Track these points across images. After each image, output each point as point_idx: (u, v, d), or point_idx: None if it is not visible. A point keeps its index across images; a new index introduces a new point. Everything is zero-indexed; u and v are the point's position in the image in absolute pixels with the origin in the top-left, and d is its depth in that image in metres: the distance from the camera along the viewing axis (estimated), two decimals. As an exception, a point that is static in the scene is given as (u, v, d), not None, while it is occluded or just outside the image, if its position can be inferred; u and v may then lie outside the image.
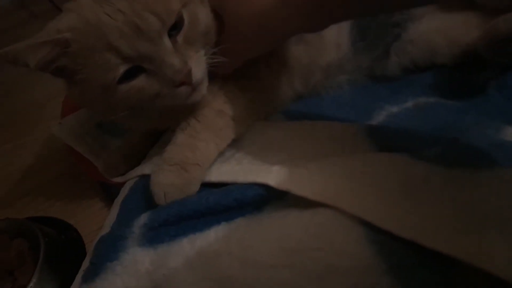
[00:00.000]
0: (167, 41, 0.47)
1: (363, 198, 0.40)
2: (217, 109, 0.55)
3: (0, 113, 1.14)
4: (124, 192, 0.58)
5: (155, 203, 0.50)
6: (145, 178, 0.55)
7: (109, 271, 0.45)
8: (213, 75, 0.55)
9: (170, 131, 0.58)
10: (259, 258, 0.40)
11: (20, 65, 0.45)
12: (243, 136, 0.57)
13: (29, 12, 1.67)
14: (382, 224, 0.37)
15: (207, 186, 0.52)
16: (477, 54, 0.62)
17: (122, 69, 0.46)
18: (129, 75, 0.47)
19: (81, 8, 0.47)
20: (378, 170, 0.43)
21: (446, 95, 0.63)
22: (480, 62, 0.62)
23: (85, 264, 0.49)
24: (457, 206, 0.37)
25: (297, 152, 0.52)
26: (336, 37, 0.66)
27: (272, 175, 0.46)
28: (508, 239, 0.33)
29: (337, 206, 0.40)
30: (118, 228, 0.51)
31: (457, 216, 0.36)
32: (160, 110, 0.54)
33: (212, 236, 0.44)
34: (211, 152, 0.53)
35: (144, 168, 0.58)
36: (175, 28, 0.48)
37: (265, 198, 0.46)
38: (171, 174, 0.50)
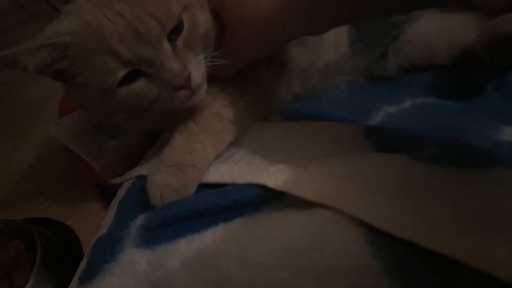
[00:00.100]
0: (166, 45, 0.47)
1: (361, 198, 0.40)
2: (216, 112, 0.55)
3: (-1, 113, 1.14)
4: (121, 193, 0.58)
5: (151, 204, 0.50)
6: (143, 179, 0.54)
7: (106, 272, 0.45)
8: (213, 78, 0.55)
9: (168, 132, 0.58)
10: (258, 259, 0.40)
11: (19, 69, 0.45)
12: (242, 137, 0.57)
13: (27, 13, 1.66)
14: (381, 224, 0.37)
15: (205, 186, 0.52)
16: (476, 55, 0.62)
17: (121, 73, 0.46)
18: (128, 79, 0.47)
19: (80, 11, 0.46)
20: (376, 170, 0.43)
21: (444, 96, 0.63)
22: (479, 63, 0.62)
23: (82, 265, 0.49)
24: (455, 207, 0.37)
25: (295, 153, 0.52)
26: (335, 38, 0.66)
27: (270, 176, 0.46)
28: (507, 239, 0.33)
29: (336, 207, 0.40)
30: (115, 229, 0.50)
31: (456, 216, 0.36)
32: (159, 113, 0.53)
33: (209, 237, 0.44)
34: (209, 155, 0.53)
35: (142, 169, 0.58)
36: (174, 32, 0.48)
37: (263, 199, 0.46)
38: (167, 175, 0.50)
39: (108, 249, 0.47)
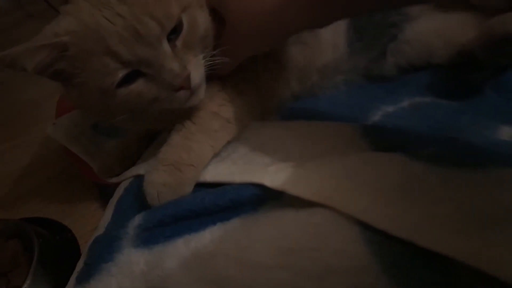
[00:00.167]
0: (166, 46, 0.47)
1: (359, 198, 0.40)
2: (213, 111, 0.55)
3: (-4, 113, 1.13)
4: (119, 192, 0.58)
5: (148, 203, 0.50)
6: (140, 178, 0.54)
7: (103, 272, 0.45)
8: (211, 77, 0.55)
9: (166, 132, 0.58)
10: (256, 259, 0.40)
11: (18, 69, 0.45)
12: (239, 136, 0.57)
13: (25, 12, 1.66)
14: (379, 224, 0.37)
15: (202, 186, 0.52)
16: (474, 55, 0.62)
17: (121, 73, 0.46)
18: (127, 79, 0.47)
19: (79, 12, 0.46)
20: (374, 170, 0.43)
21: (443, 95, 0.63)
22: (477, 62, 0.62)
23: (80, 265, 0.49)
24: (454, 206, 0.37)
25: (293, 152, 0.52)
26: (333, 38, 0.66)
27: (268, 175, 0.46)
28: (506, 239, 0.33)
29: (333, 206, 0.40)
30: (113, 229, 0.50)
31: (454, 216, 0.36)
32: (158, 113, 0.53)
33: (207, 237, 0.44)
34: (206, 154, 0.53)
35: (139, 169, 0.58)
36: (174, 32, 0.48)
37: (261, 198, 0.46)
38: (164, 174, 0.50)
39: (105, 249, 0.47)
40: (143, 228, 0.47)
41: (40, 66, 0.46)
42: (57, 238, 0.68)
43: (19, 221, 0.67)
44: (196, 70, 0.50)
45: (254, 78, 0.60)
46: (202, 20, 0.52)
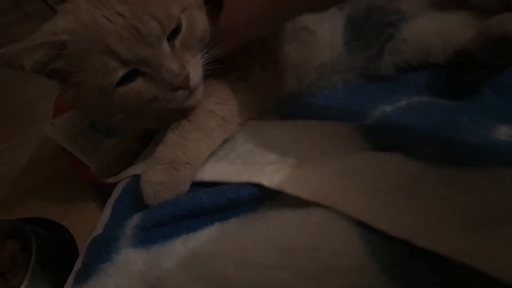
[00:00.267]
0: (166, 46, 0.47)
1: (357, 197, 0.40)
2: (209, 110, 0.55)
3: (-7, 113, 1.13)
4: (116, 192, 0.58)
5: (145, 202, 0.50)
6: (138, 178, 0.54)
7: (101, 272, 0.45)
8: (210, 76, 0.55)
9: (164, 131, 0.58)
10: (254, 259, 0.40)
11: (16, 67, 0.45)
12: (237, 136, 0.57)
13: (23, 12, 1.65)
14: (376, 223, 0.37)
15: (200, 185, 0.51)
16: (472, 54, 0.62)
17: (120, 72, 0.46)
18: (126, 79, 0.47)
19: (78, 10, 0.46)
20: (372, 169, 0.43)
21: (441, 95, 0.63)
22: (475, 62, 0.62)
23: (78, 265, 0.49)
24: (450, 206, 0.37)
25: (291, 152, 0.51)
26: (330, 37, 0.66)
27: (266, 175, 0.46)
28: (503, 238, 0.33)
29: (332, 206, 0.40)
30: (111, 229, 0.50)
31: (452, 216, 0.36)
32: (155, 113, 0.54)
33: (205, 237, 0.44)
34: (202, 152, 0.53)
35: (137, 168, 0.58)
36: (173, 33, 0.48)
37: (259, 198, 0.46)
38: (160, 173, 0.50)
39: (103, 249, 0.47)
40: (141, 228, 0.47)
41: (38, 65, 0.46)
42: (55, 238, 0.68)
43: (17, 221, 0.67)
44: (195, 70, 0.50)
45: (250, 76, 0.60)
46: (201, 21, 0.52)
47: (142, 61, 0.46)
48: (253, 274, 0.39)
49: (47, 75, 0.49)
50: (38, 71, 0.47)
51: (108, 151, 0.71)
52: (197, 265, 0.42)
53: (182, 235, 0.45)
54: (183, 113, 0.55)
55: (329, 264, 0.37)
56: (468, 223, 0.35)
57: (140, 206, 0.51)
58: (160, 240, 0.45)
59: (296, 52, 0.64)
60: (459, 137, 0.48)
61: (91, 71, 0.46)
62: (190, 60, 0.50)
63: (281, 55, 0.63)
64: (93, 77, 0.46)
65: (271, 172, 0.46)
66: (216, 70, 0.53)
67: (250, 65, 0.60)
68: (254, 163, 0.50)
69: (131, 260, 0.45)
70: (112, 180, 0.63)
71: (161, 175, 0.50)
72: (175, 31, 0.49)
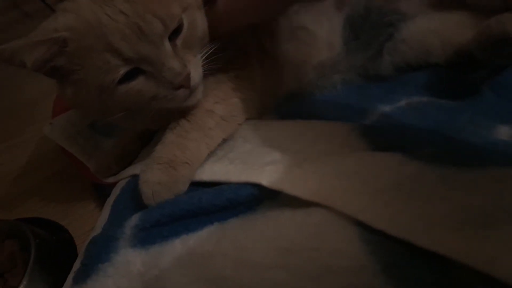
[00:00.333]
0: (167, 45, 0.48)
1: (356, 197, 0.40)
2: (207, 109, 0.55)
3: (-8, 113, 1.13)
4: (115, 192, 0.58)
5: (144, 202, 0.50)
6: (137, 178, 0.54)
7: (100, 272, 0.44)
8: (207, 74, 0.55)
9: (163, 131, 0.58)
10: (254, 259, 0.40)
11: (16, 64, 0.45)
12: (236, 135, 0.57)
13: (21, 12, 1.65)
14: (375, 223, 0.37)
15: (199, 185, 0.51)
16: (471, 54, 0.62)
17: (122, 70, 0.46)
18: (127, 77, 0.47)
19: (79, 8, 0.46)
20: (371, 169, 0.43)
21: (440, 95, 0.63)
22: (475, 62, 0.62)
23: (77, 265, 0.49)
24: (450, 205, 0.37)
25: (290, 152, 0.51)
26: (328, 36, 0.66)
27: (265, 175, 0.46)
28: (502, 238, 0.33)
29: (331, 206, 0.39)
30: (110, 229, 0.50)
31: (452, 215, 0.36)
32: (155, 112, 0.53)
33: (205, 237, 0.44)
34: (201, 152, 0.53)
35: (136, 168, 0.58)
36: (174, 32, 0.49)
37: (258, 198, 0.46)
38: (159, 172, 0.50)
39: (102, 249, 0.46)
40: (140, 228, 0.47)
41: (39, 62, 0.46)
42: (54, 238, 0.68)
43: (16, 221, 0.67)
44: (195, 70, 0.51)
45: (249, 75, 0.60)
46: (200, 21, 0.53)
47: (144, 60, 0.46)
48: (253, 274, 0.39)
49: (47, 73, 0.49)
50: (38, 69, 0.47)
51: (108, 151, 0.71)
52: (196, 265, 0.42)
53: (181, 235, 0.45)
54: (182, 113, 0.55)
55: (329, 264, 0.37)
56: (468, 223, 0.35)
57: (139, 206, 0.51)
58: (159, 240, 0.45)
59: (294, 51, 0.64)
60: (459, 137, 0.48)
61: (92, 68, 0.46)
62: (191, 60, 0.51)
63: (279, 54, 0.63)
64: (94, 75, 0.46)
65: (270, 172, 0.46)
66: (215, 70, 0.54)
67: (248, 64, 0.60)
68: (254, 163, 0.50)
69: (130, 260, 0.45)
70: (111, 180, 0.63)
71: (159, 175, 0.50)
72: (176, 31, 0.49)
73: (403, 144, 0.48)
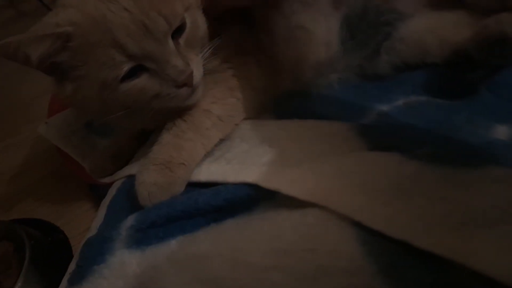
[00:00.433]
0: (171, 43, 0.48)
1: (353, 198, 0.40)
2: (204, 109, 0.55)
3: (-14, 114, 1.12)
4: (111, 193, 0.57)
5: (140, 203, 0.49)
6: (133, 178, 0.54)
7: (96, 274, 0.44)
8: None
9: (159, 131, 0.58)
10: (250, 260, 0.39)
11: (19, 59, 0.45)
12: (233, 135, 0.57)
13: (17, 11, 1.65)
14: (373, 224, 0.37)
15: (196, 186, 0.51)
16: (469, 54, 0.62)
17: (126, 67, 0.46)
18: (130, 74, 0.47)
19: (82, 4, 0.46)
20: (369, 169, 0.43)
21: (438, 94, 0.62)
22: (472, 62, 0.62)
23: (72, 267, 0.48)
24: (448, 206, 0.37)
25: (287, 152, 0.51)
26: (326, 36, 0.66)
27: (262, 175, 0.46)
28: (500, 239, 0.33)
29: (328, 206, 0.39)
30: (105, 230, 0.50)
31: (448, 215, 0.36)
32: (154, 111, 0.53)
33: (201, 238, 0.44)
34: (198, 152, 0.53)
35: (132, 169, 0.58)
36: (176, 31, 0.49)
37: (255, 198, 0.46)
38: (155, 174, 0.50)
39: (98, 250, 0.46)
40: (135, 229, 0.47)
41: (44, 56, 0.46)
42: (49, 239, 0.68)
43: (10, 222, 0.66)
44: (197, 69, 0.51)
45: (246, 74, 0.60)
46: (201, 20, 0.54)
47: (148, 57, 0.47)
48: (249, 275, 0.39)
49: (46, 70, 0.48)
50: (42, 63, 0.47)
51: (103, 151, 0.70)
52: (192, 266, 0.42)
53: (178, 236, 0.44)
54: (179, 113, 0.55)
55: (326, 265, 0.37)
56: (465, 223, 0.35)
57: (135, 207, 0.50)
58: (155, 241, 0.45)
59: (291, 51, 0.64)
60: (457, 137, 0.48)
61: (96, 64, 0.46)
62: (193, 59, 0.51)
63: (276, 53, 0.63)
64: (97, 71, 0.46)
65: (267, 172, 0.46)
66: (212, 69, 0.54)
67: (245, 63, 0.60)
68: (251, 163, 0.50)
69: (125, 261, 0.44)
70: (107, 180, 0.62)
71: (155, 176, 0.50)
72: (179, 30, 0.50)
73: (401, 143, 0.48)
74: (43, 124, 0.78)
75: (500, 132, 0.52)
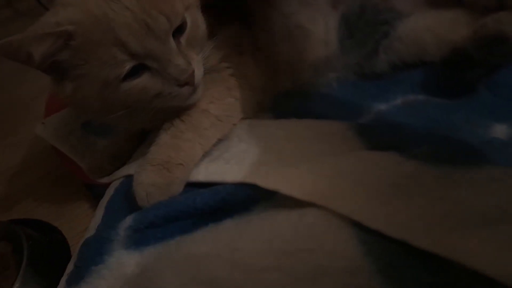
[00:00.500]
0: (172, 42, 0.48)
1: (352, 197, 0.40)
2: (202, 109, 0.55)
3: (-16, 113, 1.12)
4: (109, 193, 0.57)
5: (138, 204, 0.49)
6: (131, 178, 0.54)
7: (94, 274, 0.44)
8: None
9: (157, 131, 0.57)
10: (248, 260, 0.39)
11: (21, 58, 0.45)
12: (232, 135, 0.57)
13: (14, 10, 1.64)
14: (372, 223, 0.36)
15: (194, 186, 0.51)
16: (467, 53, 0.62)
17: (128, 65, 0.46)
18: (131, 73, 0.47)
19: (83, 2, 0.46)
20: (367, 169, 0.43)
21: (436, 93, 0.63)
22: (470, 60, 0.62)
23: (70, 267, 0.48)
24: (446, 205, 0.37)
25: (286, 151, 0.51)
26: (324, 34, 0.66)
27: (261, 175, 0.46)
28: (499, 238, 0.33)
29: (327, 206, 0.39)
30: (104, 231, 0.50)
31: (447, 215, 0.36)
32: (154, 111, 0.53)
33: (199, 238, 0.44)
34: (196, 153, 0.53)
35: (130, 169, 0.58)
36: (177, 30, 0.49)
37: (254, 198, 0.46)
38: (153, 174, 0.50)
39: (96, 251, 0.46)
40: (134, 229, 0.47)
41: (46, 54, 0.46)
42: (47, 240, 0.68)
43: (8, 223, 0.66)
44: (198, 68, 0.52)
45: (244, 74, 0.60)
46: (201, 20, 0.54)
47: (150, 55, 0.47)
48: (248, 275, 0.39)
49: (46, 69, 0.48)
50: (43, 62, 0.46)
51: (101, 151, 0.70)
52: (190, 267, 0.41)
53: (176, 237, 0.44)
54: (177, 113, 0.55)
55: (324, 265, 0.37)
56: (464, 222, 0.35)
57: (133, 207, 0.50)
58: (153, 242, 0.45)
59: (290, 50, 0.64)
60: (455, 136, 0.48)
61: (97, 63, 0.46)
62: (194, 58, 0.51)
63: (274, 53, 0.63)
64: (99, 70, 0.46)
65: (265, 172, 0.46)
66: (210, 69, 0.54)
67: (243, 63, 0.60)
68: (249, 163, 0.50)
69: (124, 262, 0.44)
70: (105, 180, 0.62)
71: (153, 176, 0.50)
72: (180, 29, 0.50)
73: (399, 143, 0.48)
74: (40, 124, 0.78)
75: (499, 131, 0.53)
